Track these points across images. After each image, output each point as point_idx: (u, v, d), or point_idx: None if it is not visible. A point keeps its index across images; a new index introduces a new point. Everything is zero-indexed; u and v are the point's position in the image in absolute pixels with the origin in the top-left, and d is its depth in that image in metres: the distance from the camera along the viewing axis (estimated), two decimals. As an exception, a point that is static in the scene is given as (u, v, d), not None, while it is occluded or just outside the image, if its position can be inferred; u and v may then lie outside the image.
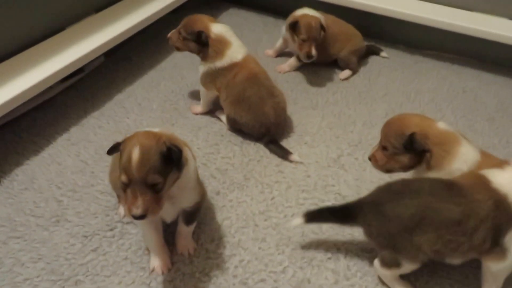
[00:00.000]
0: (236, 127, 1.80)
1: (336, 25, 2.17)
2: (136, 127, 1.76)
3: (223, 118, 1.84)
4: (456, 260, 1.19)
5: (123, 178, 1.04)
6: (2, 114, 1.55)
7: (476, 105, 2.03)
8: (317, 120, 1.90)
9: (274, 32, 2.44)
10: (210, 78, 1.78)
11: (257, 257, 1.35)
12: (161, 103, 1.96)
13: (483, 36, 2.11)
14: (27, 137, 1.74)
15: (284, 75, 2.18)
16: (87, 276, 1.28)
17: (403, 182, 1.23)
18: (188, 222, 1.31)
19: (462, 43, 2.29)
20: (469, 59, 2.34)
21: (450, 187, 1.15)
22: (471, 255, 1.18)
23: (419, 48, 2.42)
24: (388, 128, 1.31)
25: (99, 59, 2.12)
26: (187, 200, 1.24)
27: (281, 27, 2.19)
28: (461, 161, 1.23)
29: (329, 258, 1.36)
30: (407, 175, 1.35)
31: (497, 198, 1.12)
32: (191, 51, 1.80)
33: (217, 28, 1.75)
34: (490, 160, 1.25)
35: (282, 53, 2.32)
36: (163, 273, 1.29)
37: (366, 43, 2.28)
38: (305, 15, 2.01)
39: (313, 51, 1.99)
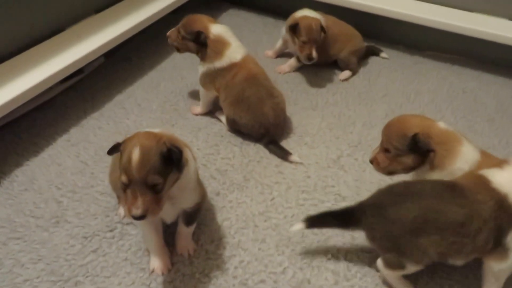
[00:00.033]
0: (235, 128, 1.80)
1: (336, 26, 2.17)
2: (136, 128, 1.76)
3: (223, 119, 1.84)
4: (459, 262, 1.19)
5: (123, 178, 1.04)
6: (2, 115, 1.55)
7: (476, 105, 2.03)
8: (317, 121, 1.90)
9: (274, 33, 2.44)
10: (209, 78, 1.78)
11: (257, 258, 1.35)
12: (161, 104, 1.96)
13: (483, 37, 2.11)
14: (27, 138, 1.74)
15: (284, 76, 2.18)
16: (87, 277, 1.28)
17: (405, 184, 1.23)
18: (188, 223, 1.31)
19: (462, 43, 2.29)
20: (469, 59, 2.34)
21: (452, 188, 1.15)
22: (473, 256, 1.18)
23: (419, 48, 2.42)
24: (389, 130, 1.30)
25: (99, 59, 2.12)
26: (187, 201, 1.24)
27: (281, 28, 2.19)
28: (463, 160, 1.23)
29: (329, 259, 1.36)
30: (408, 177, 1.35)
31: (498, 198, 1.12)
32: (190, 51, 1.80)
33: (216, 29, 1.75)
34: (490, 160, 1.25)
35: (282, 54, 2.32)
36: (163, 274, 1.29)
37: (366, 44, 2.28)
38: (305, 17, 2.01)
39: (314, 53, 1.99)
